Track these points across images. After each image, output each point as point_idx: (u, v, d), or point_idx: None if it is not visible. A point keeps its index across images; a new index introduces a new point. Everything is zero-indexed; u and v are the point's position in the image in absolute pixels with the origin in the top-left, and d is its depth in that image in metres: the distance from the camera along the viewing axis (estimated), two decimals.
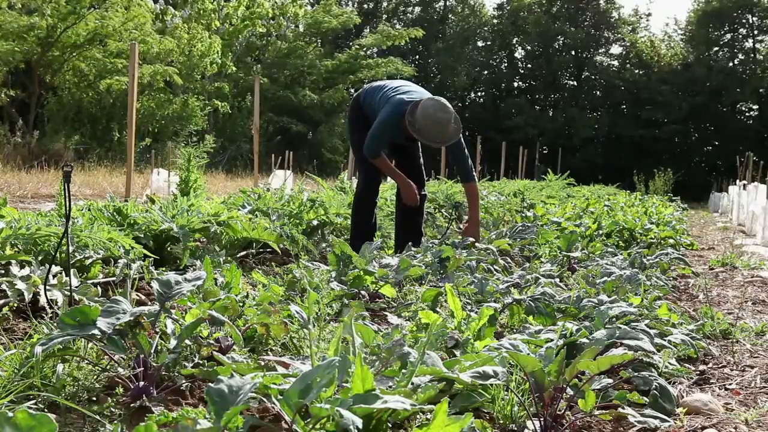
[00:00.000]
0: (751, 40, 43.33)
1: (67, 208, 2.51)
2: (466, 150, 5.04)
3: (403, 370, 1.87)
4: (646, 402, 2.12)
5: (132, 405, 1.88)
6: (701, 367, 2.69)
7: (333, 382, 1.55)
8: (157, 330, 2.09)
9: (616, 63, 45.90)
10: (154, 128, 24.62)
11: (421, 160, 5.26)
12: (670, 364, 2.54)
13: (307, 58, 35.52)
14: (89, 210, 4.11)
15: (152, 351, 2.00)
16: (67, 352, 2.01)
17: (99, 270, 3.41)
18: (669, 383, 2.32)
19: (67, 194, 2.51)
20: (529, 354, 1.97)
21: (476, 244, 4.89)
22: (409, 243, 4.69)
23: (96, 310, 1.97)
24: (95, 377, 2.03)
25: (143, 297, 3.24)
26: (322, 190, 7.08)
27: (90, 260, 3.36)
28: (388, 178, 5.49)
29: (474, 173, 5.11)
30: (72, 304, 2.61)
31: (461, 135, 4.96)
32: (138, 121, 16.39)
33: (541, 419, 1.85)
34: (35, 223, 3.26)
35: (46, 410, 1.83)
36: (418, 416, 1.87)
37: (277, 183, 11.09)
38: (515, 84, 46.87)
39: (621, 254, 5.27)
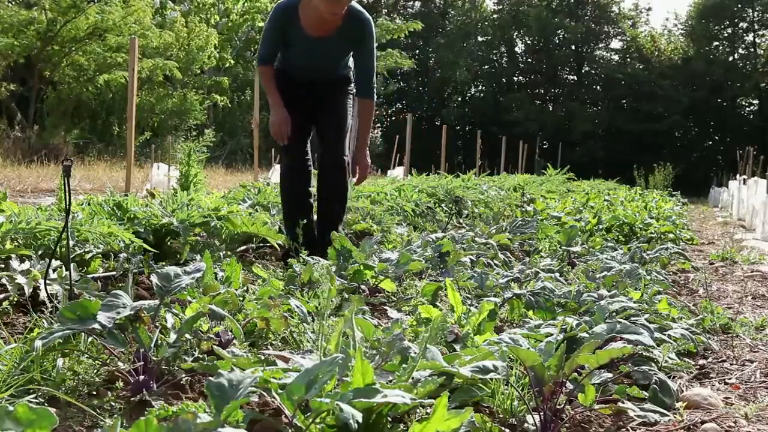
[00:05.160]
0: (751, 35, 43.30)
1: (67, 203, 2.50)
2: (375, 57, 4.26)
3: (404, 365, 1.87)
4: (646, 396, 2.12)
5: (132, 399, 1.88)
6: (701, 362, 2.69)
7: (334, 377, 1.55)
8: (157, 324, 2.09)
9: (616, 57, 45.89)
10: (153, 122, 24.61)
11: (347, 111, 4.39)
12: (669, 358, 2.54)
13: None
14: (89, 204, 4.10)
15: (152, 345, 2.00)
16: (67, 346, 2.01)
17: (99, 264, 3.40)
18: (669, 378, 2.32)
19: (67, 189, 2.50)
20: (528, 348, 1.97)
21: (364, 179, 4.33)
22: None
23: (96, 304, 1.97)
24: (95, 371, 2.03)
25: (143, 291, 3.23)
26: None
27: (90, 254, 3.36)
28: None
29: (374, 90, 4.27)
30: (72, 299, 2.61)
31: (374, 40, 4.18)
32: (137, 115, 16.36)
33: (541, 413, 1.85)
34: (35, 217, 3.25)
35: (46, 404, 1.83)
36: (418, 410, 1.87)
37: (277, 177, 11.08)
38: (515, 78, 46.87)
39: (621, 249, 5.27)
